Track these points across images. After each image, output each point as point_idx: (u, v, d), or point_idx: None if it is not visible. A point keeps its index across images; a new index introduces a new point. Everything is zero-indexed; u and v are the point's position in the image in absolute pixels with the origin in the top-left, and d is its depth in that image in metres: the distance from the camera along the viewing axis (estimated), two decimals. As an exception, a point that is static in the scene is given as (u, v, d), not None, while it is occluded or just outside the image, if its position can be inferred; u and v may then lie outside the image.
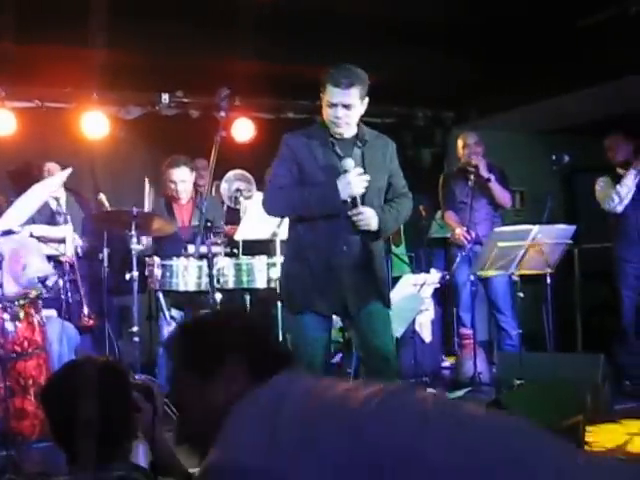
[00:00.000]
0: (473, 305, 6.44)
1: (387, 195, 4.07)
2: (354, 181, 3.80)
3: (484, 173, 6.53)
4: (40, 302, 4.95)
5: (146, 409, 2.33)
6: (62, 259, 5.83)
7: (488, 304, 6.79)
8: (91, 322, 5.77)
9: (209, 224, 3.87)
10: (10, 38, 5.42)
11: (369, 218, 3.88)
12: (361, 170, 3.86)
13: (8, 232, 3.52)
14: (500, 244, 5.35)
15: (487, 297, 6.73)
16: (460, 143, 6.83)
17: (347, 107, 3.87)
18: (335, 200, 3.82)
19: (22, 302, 4.77)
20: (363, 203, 3.88)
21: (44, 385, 2.30)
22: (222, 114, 4.15)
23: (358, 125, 4.01)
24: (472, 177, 6.45)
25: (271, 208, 4.06)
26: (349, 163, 3.84)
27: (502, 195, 6.67)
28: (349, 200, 3.83)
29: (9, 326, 4.63)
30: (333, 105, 3.87)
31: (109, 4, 5.14)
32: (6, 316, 4.57)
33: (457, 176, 6.81)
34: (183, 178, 5.99)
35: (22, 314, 4.76)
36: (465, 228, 6.54)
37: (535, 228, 5.39)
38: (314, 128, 4.10)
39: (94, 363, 2.26)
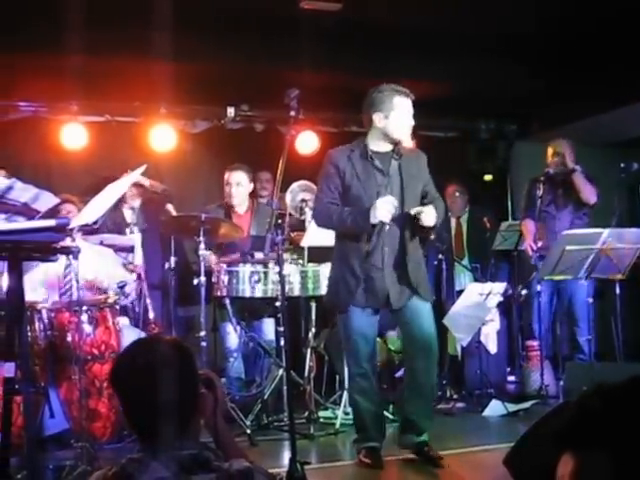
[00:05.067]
0: (546, 316, 6.35)
1: (424, 201, 4.48)
2: (380, 208, 4.21)
3: (570, 164, 6.44)
4: (117, 308, 5.06)
5: (208, 398, 2.34)
6: (131, 267, 5.94)
7: (557, 316, 6.65)
8: (156, 329, 5.85)
9: (279, 221, 3.91)
10: (81, 52, 5.56)
11: (431, 215, 4.30)
12: (391, 198, 4.26)
13: (84, 226, 3.63)
14: (568, 247, 5.27)
15: (563, 308, 6.56)
16: (550, 150, 6.65)
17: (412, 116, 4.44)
18: (366, 225, 4.27)
19: (101, 307, 4.88)
20: (403, 208, 4.36)
21: (114, 362, 2.32)
22: (292, 113, 4.19)
23: None
24: (542, 182, 6.31)
25: (318, 221, 4.62)
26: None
27: (586, 189, 6.45)
28: (378, 223, 4.27)
29: (87, 329, 4.73)
30: (408, 114, 4.41)
31: (176, 18, 5.26)
32: (84, 318, 4.66)
33: (543, 183, 6.50)
34: (239, 180, 6.10)
35: (100, 318, 4.86)
36: (532, 238, 6.46)
37: (605, 232, 5.30)
38: (356, 143, 4.53)
39: (163, 342, 2.28)
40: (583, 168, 6.52)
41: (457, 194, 7.48)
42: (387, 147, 4.47)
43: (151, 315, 5.97)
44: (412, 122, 4.44)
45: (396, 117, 4.37)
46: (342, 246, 4.49)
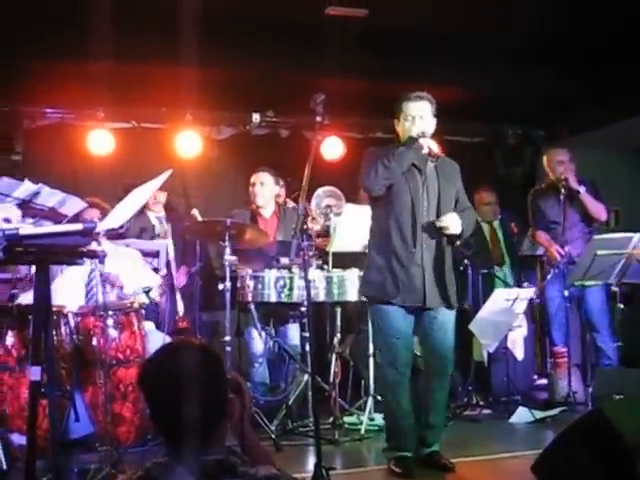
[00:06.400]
0: (567, 323, 6.28)
1: (455, 209, 4.55)
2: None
3: (574, 185, 6.30)
4: (143, 312, 5.06)
5: (236, 403, 2.34)
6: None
7: (581, 322, 6.58)
8: (185, 324, 5.86)
9: (305, 227, 3.89)
10: (108, 58, 5.59)
11: (455, 222, 4.41)
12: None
13: (110, 230, 3.66)
14: (599, 252, 5.23)
15: (581, 315, 6.47)
16: (549, 159, 6.58)
17: (421, 118, 4.47)
18: (406, 150, 4.36)
19: (127, 311, 4.89)
20: (439, 210, 4.46)
21: (142, 366, 2.31)
22: (318, 119, 4.20)
23: None
24: (563, 191, 6.21)
25: (368, 181, 4.42)
26: None
27: (595, 207, 6.36)
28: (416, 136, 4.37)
29: (112, 333, 4.74)
30: (412, 117, 4.46)
31: (202, 25, 5.28)
32: (110, 322, 4.67)
33: (546, 193, 6.58)
34: (262, 180, 6.12)
35: (126, 323, 4.87)
36: (558, 244, 6.39)
37: (636, 236, 5.27)
38: (391, 145, 4.56)
39: (192, 346, 2.27)
40: (588, 187, 6.39)
41: (489, 199, 7.43)
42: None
43: (180, 311, 6.01)
44: (423, 127, 4.43)
45: (402, 120, 4.53)
46: (385, 232, 4.45)
